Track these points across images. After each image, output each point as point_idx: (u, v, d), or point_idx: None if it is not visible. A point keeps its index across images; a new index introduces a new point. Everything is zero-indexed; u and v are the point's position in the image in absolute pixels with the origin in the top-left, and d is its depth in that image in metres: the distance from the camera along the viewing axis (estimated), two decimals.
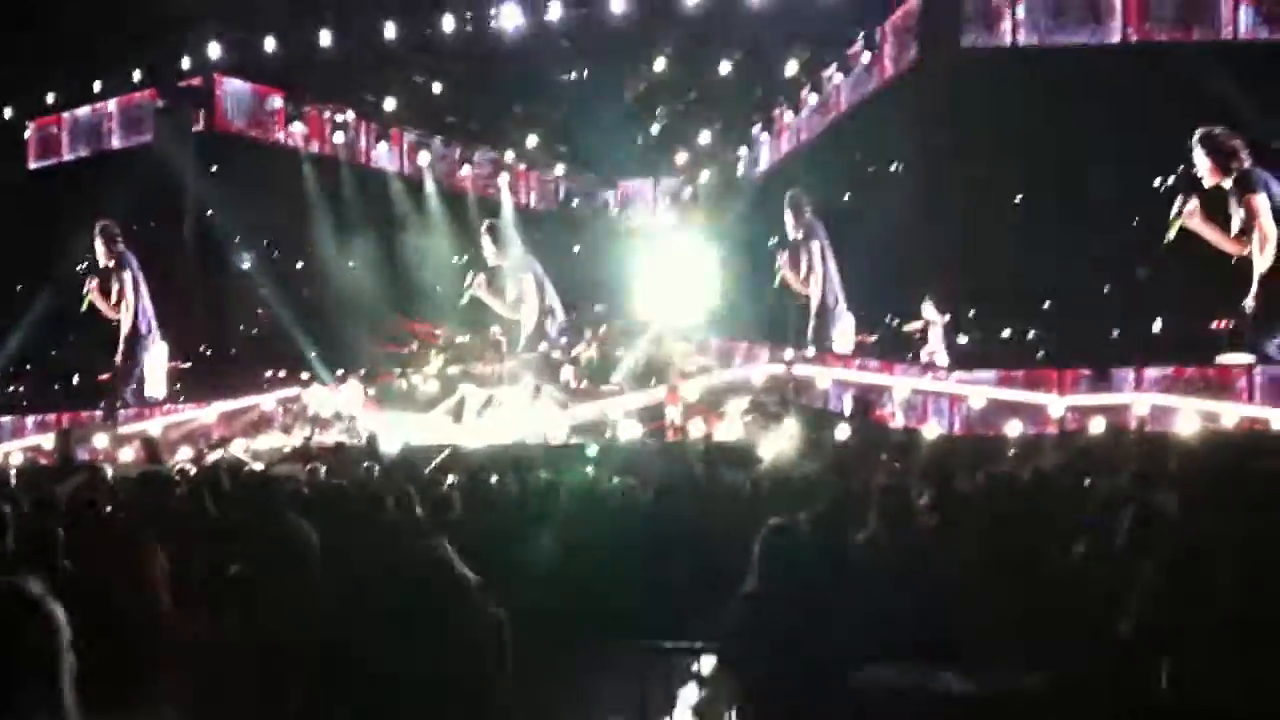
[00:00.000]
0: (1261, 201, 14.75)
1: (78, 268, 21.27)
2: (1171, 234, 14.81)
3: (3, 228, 23.73)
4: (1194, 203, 14.92)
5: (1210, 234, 15.09)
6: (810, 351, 17.92)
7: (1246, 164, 14.88)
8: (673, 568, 9.12)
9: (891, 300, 19.56)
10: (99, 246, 20.30)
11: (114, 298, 19.97)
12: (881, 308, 19.79)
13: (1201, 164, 15.10)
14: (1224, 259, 15.01)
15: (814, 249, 18.95)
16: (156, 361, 20.26)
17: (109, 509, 8.09)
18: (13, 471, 13.77)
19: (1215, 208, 15.17)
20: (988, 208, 17.58)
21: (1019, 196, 18.51)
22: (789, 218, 19.40)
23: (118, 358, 20.18)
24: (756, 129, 23.58)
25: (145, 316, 20.18)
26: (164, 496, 8.80)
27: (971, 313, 18.69)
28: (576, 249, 25.39)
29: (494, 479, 10.82)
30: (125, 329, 19.97)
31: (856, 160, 20.36)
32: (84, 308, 20.05)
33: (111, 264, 20.01)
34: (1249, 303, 14.74)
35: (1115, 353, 15.72)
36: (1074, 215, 17.52)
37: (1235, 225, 15.08)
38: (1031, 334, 17.94)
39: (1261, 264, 14.70)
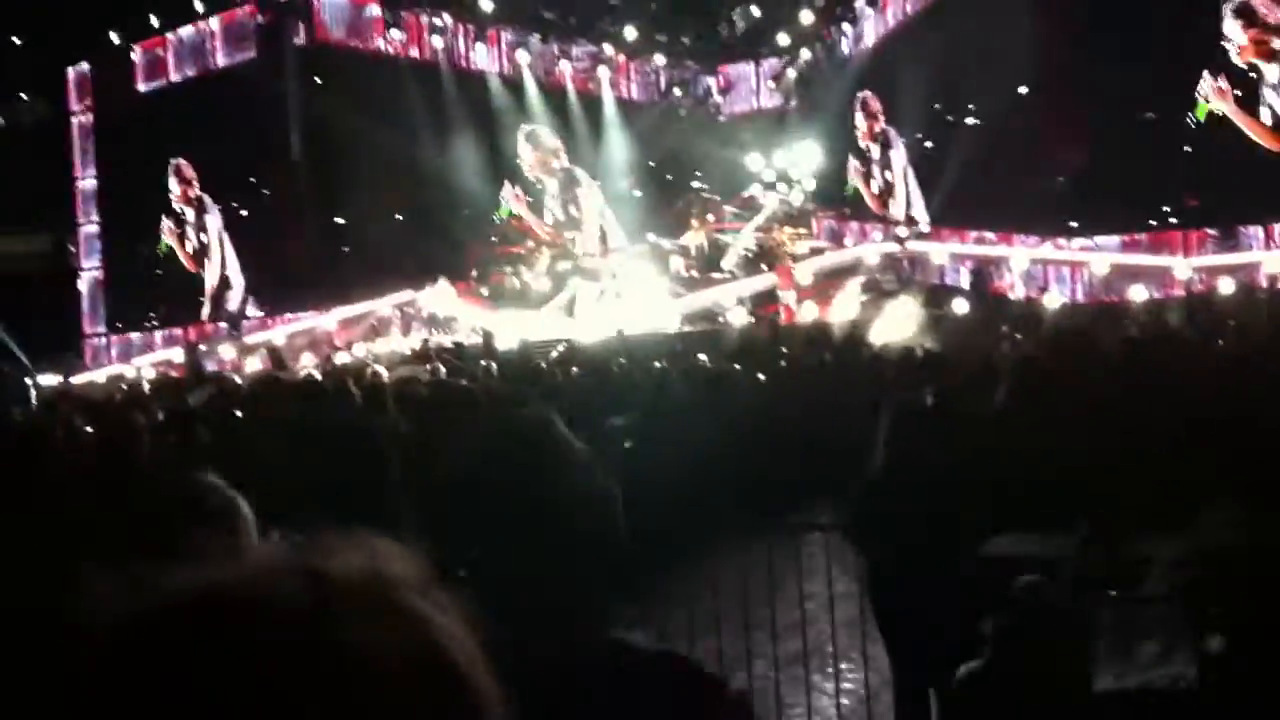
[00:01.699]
0: None
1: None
2: (1199, 114, 13.75)
3: (120, 149, 24.28)
4: (1223, 81, 13.77)
5: (1244, 120, 13.92)
6: (924, 226, 17.60)
7: None
8: (794, 447, 9.13)
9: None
10: (173, 187, 20.51)
11: (191, 246, 20.17)
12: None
13: (1236, 36, 13.91)
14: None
15: (893, 161, 18.41)
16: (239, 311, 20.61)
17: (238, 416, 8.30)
18: (146, 385, 14.22)
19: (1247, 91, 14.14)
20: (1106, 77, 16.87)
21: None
22: (860, 121, 18.83)
23: (204, 314, 20.52)
24: (860, 3, 22.90)
25: (230, 269, 20.42)
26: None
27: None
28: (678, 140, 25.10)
29: (614, 368, 10.87)
30: (211, 285, 20.20)
31: (971, 35, 19.66)
32: (161, 249, 20.35)
33: (189, 209, 20.22)
34: None
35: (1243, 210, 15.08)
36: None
37: (1271, 112, 13.88)
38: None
39: None
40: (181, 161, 21.23)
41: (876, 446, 4.94)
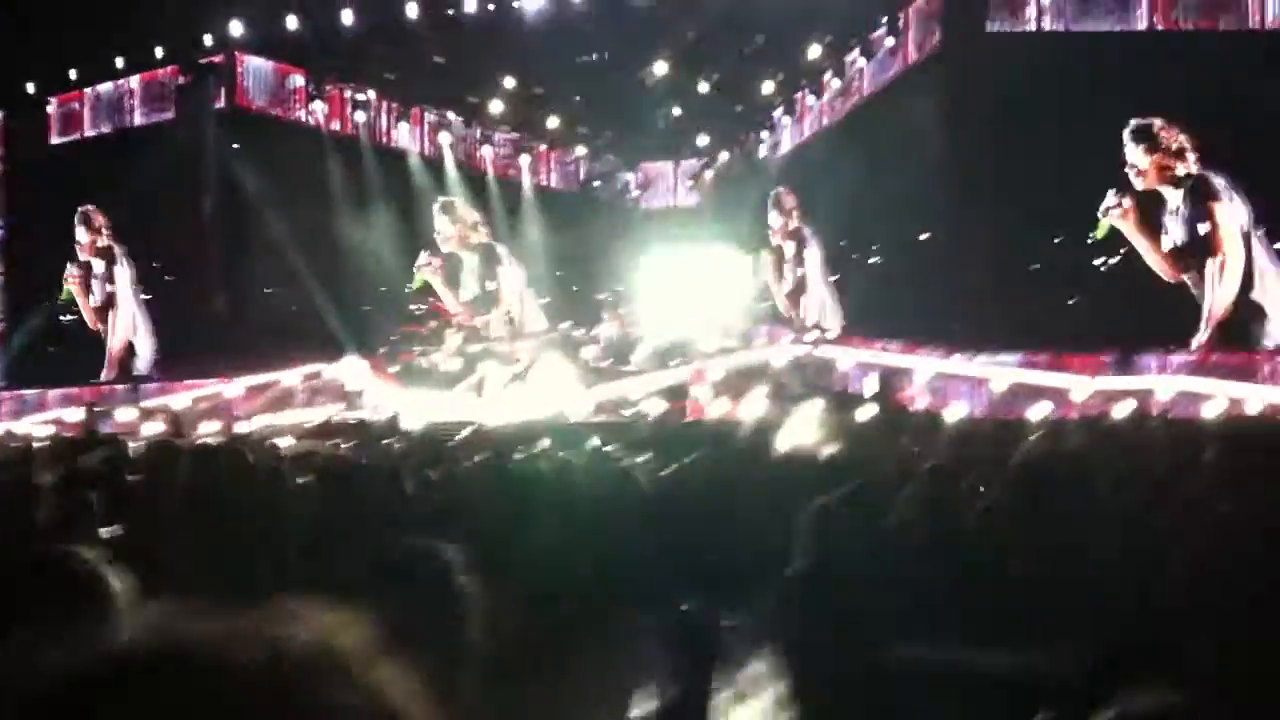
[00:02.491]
0: (1224, 213, 13.08)
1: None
2: (1100, 232, 13.77)
3: (27, 203, 23.84)
4: (1128, 200, 13.75)
5: (1143, 243, 13.89)
6: (832, 333, 17.90)
7: (1194, 168, 13.55)
8: (699, 547, 9.12)
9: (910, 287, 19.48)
10: (80, 235, 20.14)
11: (95, 300, 19.74)
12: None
13: (1138, 161, 13.91)
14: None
15: (807, 259, 18.79)
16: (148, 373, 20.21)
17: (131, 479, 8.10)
18: (35, 444, 13.81)
19: (1149, 214, 14.05)
20: (1015, 194, 17.44)
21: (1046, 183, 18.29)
22: (774, 219, 19.13)
23: (106, 372, 20.05)
24: (778, 113, 23.52)
25: (139, 327, 20.02)
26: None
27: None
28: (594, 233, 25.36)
29: (516, 456, 10.79)
30: (116, 343, 19.78)
31: (880, 146, 20.28)
32: (63, 297, 19.94)
33: (96, 260, 19.85)
34: (1197, 342, 13.50)
35: (1141, 337, 15.59)
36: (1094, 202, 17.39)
37: (1172, 240, 13.80)
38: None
39: (1222, 294, 13.39)
40: (91, 208, 20.80)
41: (795, 547, 4.98)
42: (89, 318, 20.52)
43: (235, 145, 21.57)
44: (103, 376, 21.04)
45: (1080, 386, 14.35)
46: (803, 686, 4.78)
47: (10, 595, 1.96)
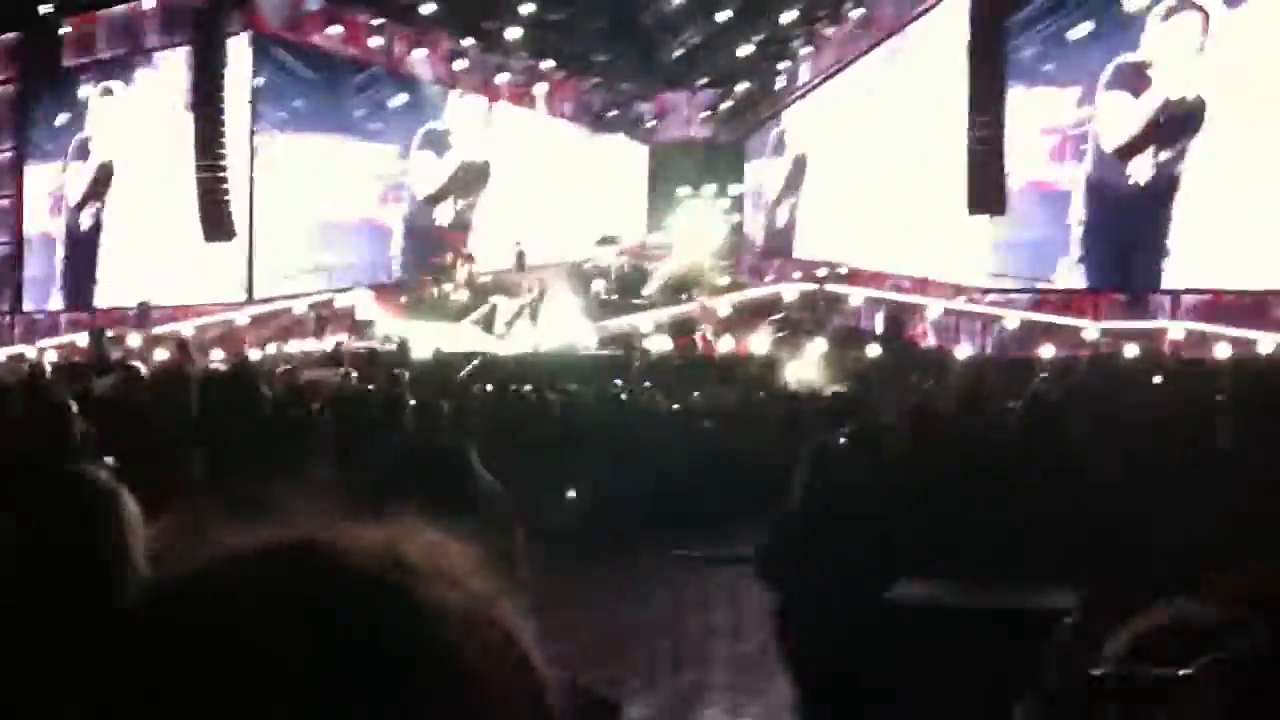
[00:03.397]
0: None
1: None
2: None
3: (38, 123, 23.78)
4: None
5: None
6: (844, 269, 17.84)
7: None
8: (705, 481, 9.16)
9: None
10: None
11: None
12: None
13: None
14: None
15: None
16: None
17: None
18: (48, 367, 13.89)
19: None
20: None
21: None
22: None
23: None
24: (797, 42, 23.21)
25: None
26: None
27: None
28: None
29: (525, 389, 10.84)
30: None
31: (904, 79, 19.98)
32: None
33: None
34: None
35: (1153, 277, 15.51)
36: None
37: None
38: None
39: None
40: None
41: (792, 482, 4.99)
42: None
43: (251, 69, 21.35)
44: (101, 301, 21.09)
45: (1090, 327, 14.31)
46: (799, 620, 4.82)
47: (32, 510, 1.97)
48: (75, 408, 6.91)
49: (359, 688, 0.59)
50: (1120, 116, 16.93)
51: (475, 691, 0.63)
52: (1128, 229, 16.65)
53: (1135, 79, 16.80)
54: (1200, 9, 16.29)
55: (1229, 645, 0.89)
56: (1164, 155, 16.43)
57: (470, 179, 23.50)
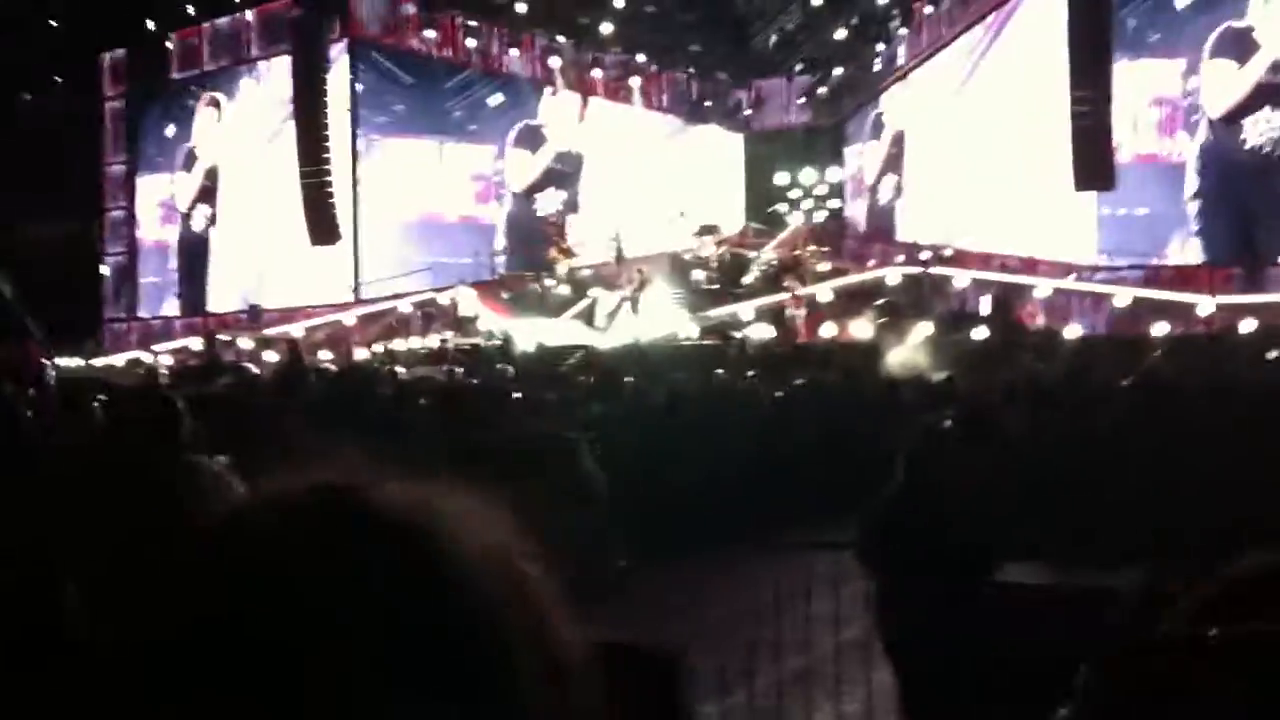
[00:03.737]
0: None
1: None
2: None
3: (148, 136, 24.48)
4: None
5: None
6: (948, 251, 17.55)
7: None
8: (807, 468, 9.09)
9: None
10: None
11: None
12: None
13: None
14: None
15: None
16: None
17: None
18: (163, 371, 14.28)
19: None
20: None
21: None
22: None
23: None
24: (894, 23, 22.89)
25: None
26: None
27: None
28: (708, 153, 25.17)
29: (627, 380, 10.84)
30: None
31: (1005, 55, 19.54)
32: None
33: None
34: None
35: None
36: None
37: None
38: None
39: None
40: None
41: (895, 467, 4.92)
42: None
43: (350, 75, 21.73)
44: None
45: (1204, 302, 13.89)
46: (902, 606, 4.75)
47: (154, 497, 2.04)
48: (187, 408, 7.08)
49: (375, 617, 0.62)
50: (1227, 83, 16.47)
51: (487, 630, 0.65)
52: (1245, 198, 16.20)
53: (1240, 45, 16.32)
54: None
55: None
56: (1276, 119, 15.96)
57: (565, 172, 23.65)
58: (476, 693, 0.65)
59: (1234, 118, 16.36)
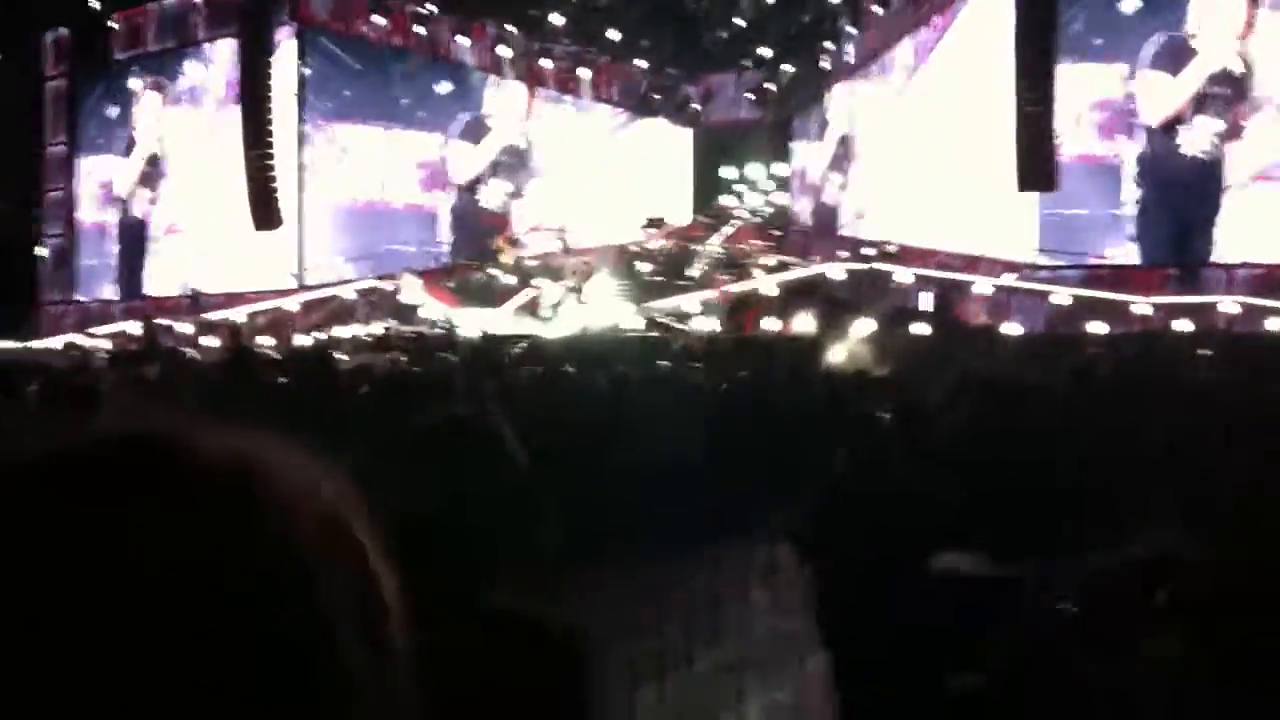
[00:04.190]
0: None
1: None
2: None
3: (89, 117, 24.10)
4: None
5: None
6: (892, 247, 17.69)
7: None
8: (750, 459, 9.13)
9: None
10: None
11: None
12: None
13: None
14: None
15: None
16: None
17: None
18: (100, 355, 14.09)
19: None
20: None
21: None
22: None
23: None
24: (843, 21, 23.02)
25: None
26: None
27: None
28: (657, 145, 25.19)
29: (570, 370, 10.83)
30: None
31: (952, 56, 19.70)
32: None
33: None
34: None
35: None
36: None
37: None
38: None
39: None
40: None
41: (835, 460, 4.95)
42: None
43: (299, 59, 21.50)
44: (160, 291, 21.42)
45: (1141, 302, 14.12)
46: (838, 596, 4.79)
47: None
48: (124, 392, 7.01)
49: (176, 561, 0.62)
50: (1164, 93, 16.73)
51: (297, 577, 0.65)
52: (1180, 204, 16.45)
53: (1178, 54, 16.57)
54: None
55: None
56: (1212, 127, 16.23)
57: (511, 164, 23.57)
58: (285, 643, 0.64)
59: (1171, 126, 16.61)
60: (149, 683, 0.60)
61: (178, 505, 0.64)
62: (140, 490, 0.64)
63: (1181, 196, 16.44)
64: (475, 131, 23.37)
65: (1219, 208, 16.02)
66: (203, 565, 0.62)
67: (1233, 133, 15.98)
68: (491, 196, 23.23)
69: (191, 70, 23.21)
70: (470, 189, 23.15)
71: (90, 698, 0.59)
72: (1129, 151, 17.14)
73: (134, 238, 23.76)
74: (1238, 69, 15.89)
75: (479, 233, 22.07)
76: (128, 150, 23.92)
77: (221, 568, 0.63)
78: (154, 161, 23.52)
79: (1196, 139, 16.34)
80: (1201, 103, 16.31)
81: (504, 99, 23.76)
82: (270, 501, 0.66)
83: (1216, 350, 9.02)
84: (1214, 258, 15.64)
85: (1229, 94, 15.99)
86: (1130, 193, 16.98)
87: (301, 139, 21.08)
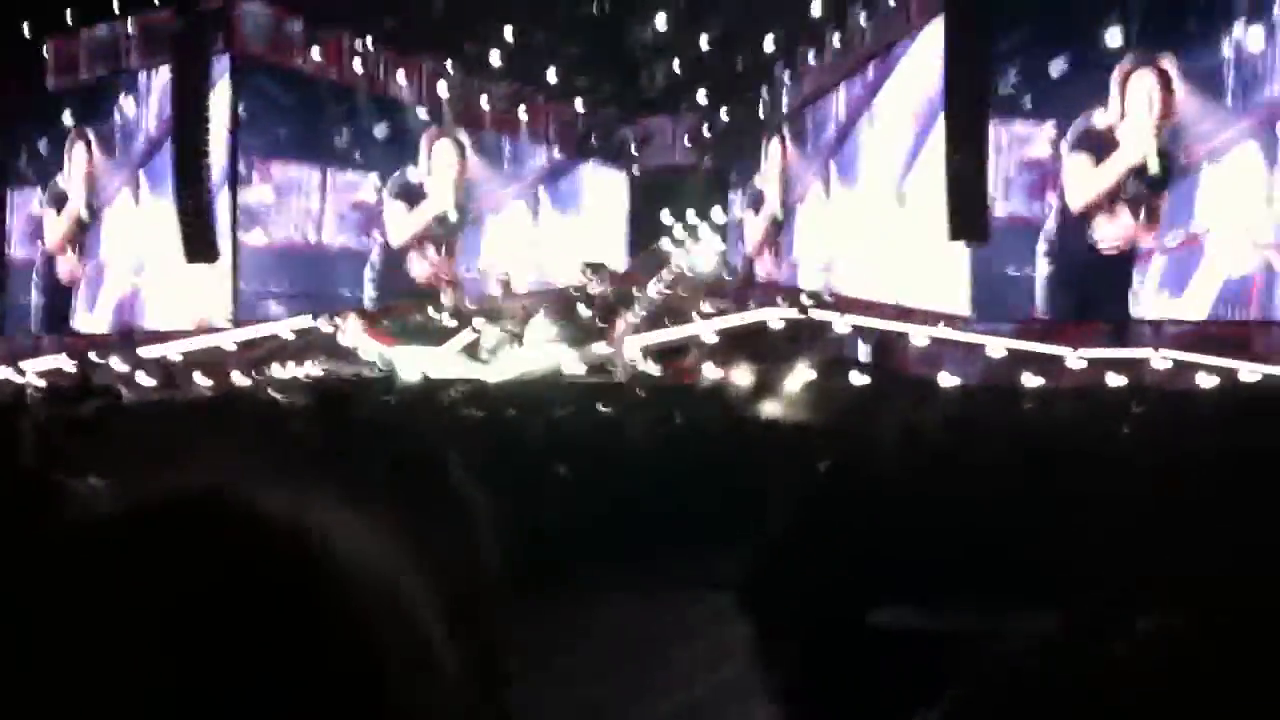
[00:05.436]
0: None
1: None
2: None
3: (20, 146, 23.75)
4: None
5: None
6: (828, 296, 17.87)
7: None
8: (688, 508, 9.14)
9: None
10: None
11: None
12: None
13: None
14: None
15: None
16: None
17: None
18: (30, 391, 13.84)
19: None
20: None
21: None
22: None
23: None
24: (778, 67, 23.33)
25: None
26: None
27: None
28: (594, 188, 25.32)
29: (510, 413, 10.80)
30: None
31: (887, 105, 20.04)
32: None
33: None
34: None
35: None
36: None
37: None
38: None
39: None
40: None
41: (775, 509, 4.97)
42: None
43: (231, 92, 21.34)
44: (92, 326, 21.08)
45: (1073, 356, 14.38)
46: (780, 650, 4.81)
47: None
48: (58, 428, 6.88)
49: (246, 619, 0.64)
50: (1085, 179, 16.93)
51: (359, 636, 0.67)
52: (1088, 286, 16.69)
53: (1100, 140, 16.79)
54: (1159, 69, 16.31)
55: None
56: (1128, 221, 16.41)
57: (440, 234, 23.39)
58: (348, 699, 0.65)
59: (1089, 215, 16.81)
60: None
61: (240, 566, 0.66)
62: (206, 551, 0.65)
63: (1092, 272, 16.64)
64: (410, 195, 23.15)
65: (1129, 279, 16.27)
66: (270, 629, 0.64)
67: (1151, 218, 16.23)
68: (419, 268, 23.02)
69: (124, 102, 22.94)
70: (401, 254, 22.93)
71: None
72: (1049, 222, 17.35)
73: (64, 273, 23.41)
74: (1155, 165, 16.09)
75: (409, 293, 22.01)
76: (57, 206, 23.51)
77: (288, 632, 0.65)
78: (81, 223, 23.20)
79: (1107, 235, 16.52)
80: (1119, 194, 16.49)
81: (439, 162, 23.54)
82: (332, 562, 0.68)
83: (1147, 405, 9.20)
84: (1137, 314, 15.88)
85: (1146, 190, 16.17)
86: (1043, 259, 17.19)
87: (236, 176, 20.90)
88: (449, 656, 0.71)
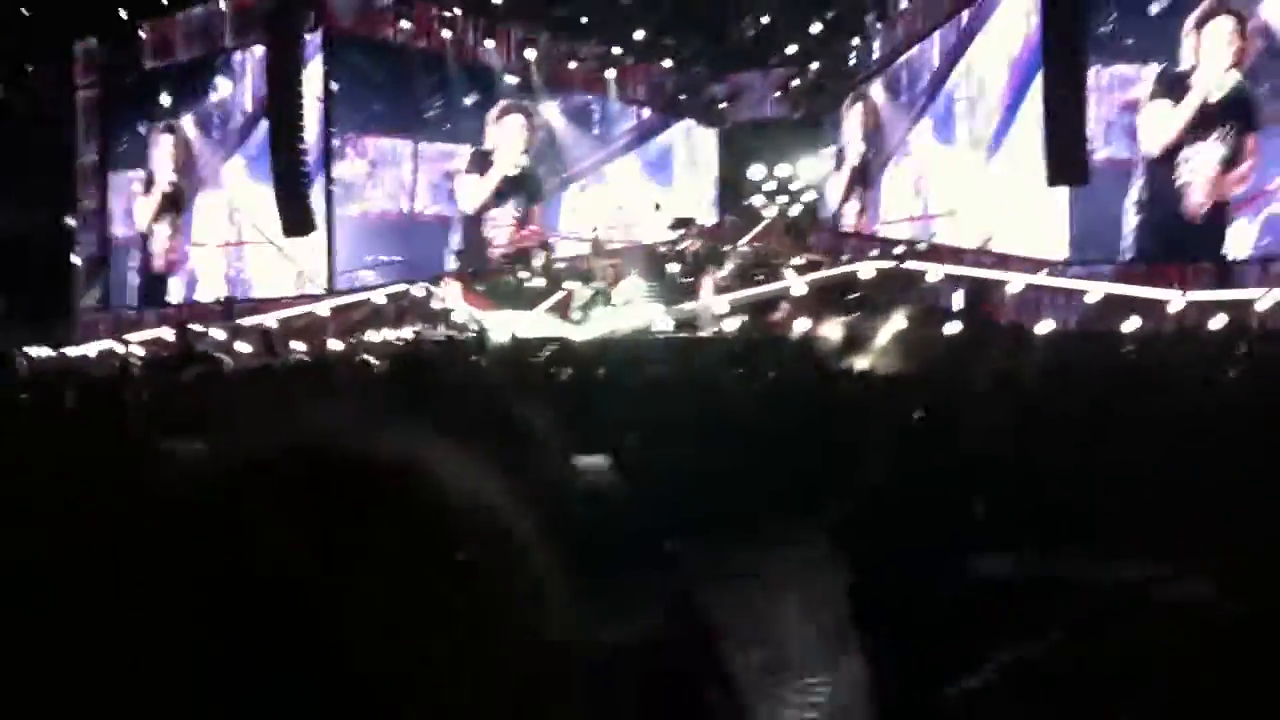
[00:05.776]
0: None
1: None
2: None
3: (120, 126, 24.29)
4: None
5: None
6: (923, 245, 17.61)
7: None
8: (785, 462, 9.11)
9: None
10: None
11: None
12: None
13: None
14: None
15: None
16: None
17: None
18: (135, 362, 14.21)
19: None
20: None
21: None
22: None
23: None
24: (870, 16, 22.94)
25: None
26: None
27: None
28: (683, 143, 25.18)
29: (601, 371, 10.84)
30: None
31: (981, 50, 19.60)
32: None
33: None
34: None
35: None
36: None
37: None
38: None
39: None
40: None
41: (868, 461, 4.93)
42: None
43: (325, 66, 21.60)
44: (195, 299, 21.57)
45: (1176, 299, 14.00)
46: (877, 600, 4.77)
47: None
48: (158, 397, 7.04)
49: (370, 570, 0.64)
50: (1163, 119, 16.47)
51: (477, 585, 0.67)
52: (1182, 220, 16.23)
53: (1176, 84, 16.33)
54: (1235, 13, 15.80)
55: None
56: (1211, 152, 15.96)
57: (528, 194, 23.45)
58: (462, 654, 0.65)
59: (1171, 153, 16.38)
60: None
61: (351, 517, 0.65)
62: (322, 503, 0.65)
63: (1182, 215, 16.21)
64: (482, 164, 23.22)
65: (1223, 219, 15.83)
66: (394, 579, 0.64)
67: (1234, 158, 15.77)
68: (501, 219, 23.13)
69: (220, 81, 23.35)
70: (477, 217, 23.05)
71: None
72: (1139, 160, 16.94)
73: (166, 245, 24.00)
74: (1232, 99, 15.59)
75: (493, 249, 22.18)
76: (146, 188, 24.07)
77: (412, 582, 0.64)
78: (171, 200, 23.71)
79: (1196, 165, 16.09)
80: (1198, 130, 16.06)
81: (504, 132, 23.57)
82: (451, 512, 0.68)
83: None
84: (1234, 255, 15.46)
85: (1226, 123, 15.70)
86: (1134, 198, 16.73)
87: (330, 150, 21.18)
88: (557, 588, 0.72)
